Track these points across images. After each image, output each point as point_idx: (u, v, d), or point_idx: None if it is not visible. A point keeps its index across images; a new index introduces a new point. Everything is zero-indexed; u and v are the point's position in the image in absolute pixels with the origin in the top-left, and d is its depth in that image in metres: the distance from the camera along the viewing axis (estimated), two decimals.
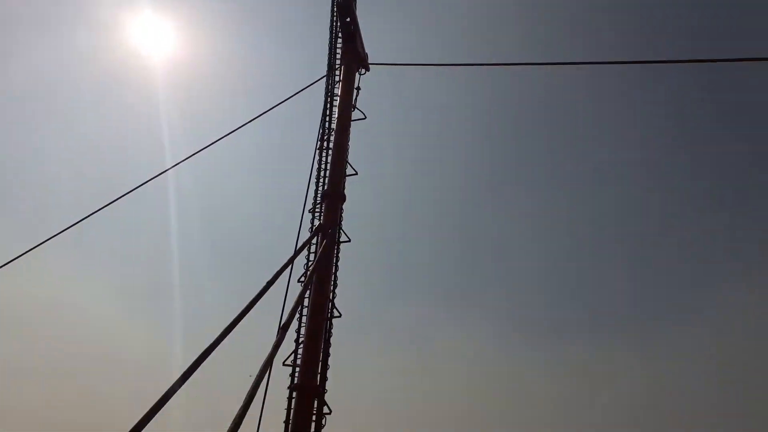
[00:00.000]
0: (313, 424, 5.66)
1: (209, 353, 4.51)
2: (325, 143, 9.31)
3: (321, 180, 8.88)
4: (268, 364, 4.37)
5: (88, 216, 6.83)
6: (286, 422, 5.81)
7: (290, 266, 6.56)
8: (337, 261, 7.55)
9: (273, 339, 5.02)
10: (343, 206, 8.26)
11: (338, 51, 10.10)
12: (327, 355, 6.33)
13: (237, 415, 3.84)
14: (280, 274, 6.06)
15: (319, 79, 10.23)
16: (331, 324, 6.54)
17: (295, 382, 5.93)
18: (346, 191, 8.34)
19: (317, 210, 8.41)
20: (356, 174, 8.59)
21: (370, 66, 9.92)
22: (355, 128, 9.18)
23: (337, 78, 9.97)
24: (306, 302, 6.36)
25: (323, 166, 9.01)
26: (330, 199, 8.07)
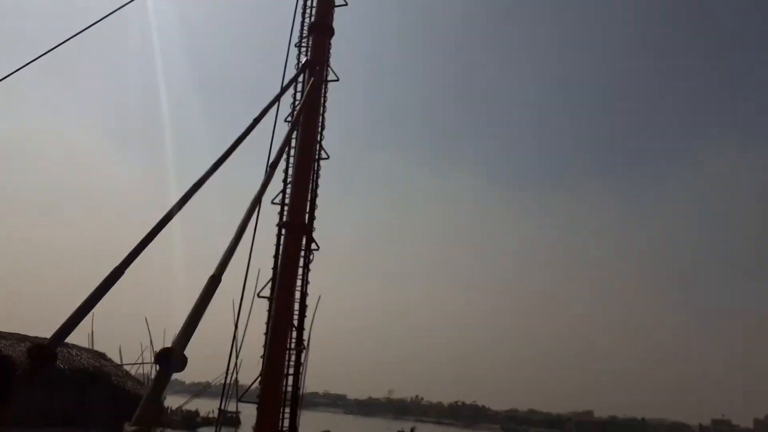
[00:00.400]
0: (301, 260, 5.86)
1: (197, 188, 4.47)
2: None
3: (308, 10, 8.28)
4: (257, 201, 4.36)
5: (68, 40, 6.38)
6: (275, 257, 6.00)
7: (277, 104, 6.34)
8: (324, 101, 7.31)
9: (260, 179, 4.98)
10: (332, 41, 7.82)
11: None
12: (315, 195, 6.38)
13: (227, 250, 3.89)
14: (267, 111, 5.86)
15: None
16: (318, 165, 6.51)
17: (284, 219, 6.01)
18: (334, 24, 7.84)
19: (304, 45, 7.96)
20: (346, 5, 8.04)
21: None
22: None
23: None
24: (293, 143, 6.26)
25: None
26: (317, 32, 7.61)
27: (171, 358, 2.92)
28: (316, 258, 6.53)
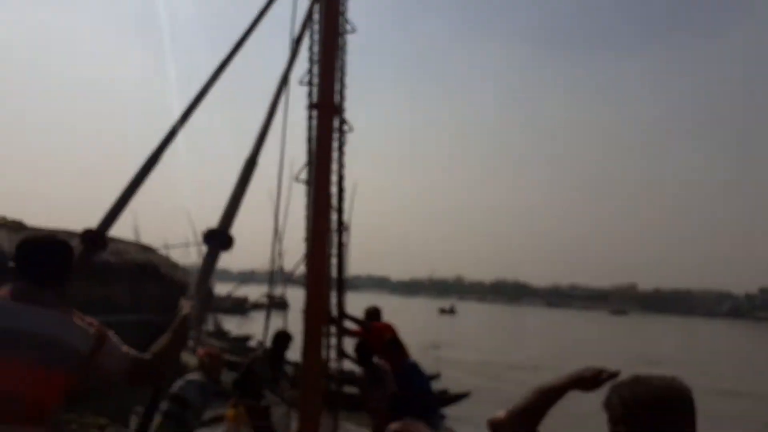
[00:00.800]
0: (335, 142, 5.79)
1: (224, 67, 4.34)
2: None
3: None
4: (284, 80, 4.24)
5: None
6: (309, 140, 5.95)
7: None
8: None
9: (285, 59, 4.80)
10: None
11: None
12: (343, 73, 6.16)
13: (259, 133, 3.84)
14: None
15: None
16: (344, 40, 6.21)
17: (313, 100, 5.88)
18: None
19: None
20: None
21: None
22: None
23: None
24: (316, 17, 5.95)
25: None
26: None
27: (217, 237, 2.99)
28: (354, 141, 6.46)
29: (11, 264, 2.36)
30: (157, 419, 5.37)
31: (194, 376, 5.53)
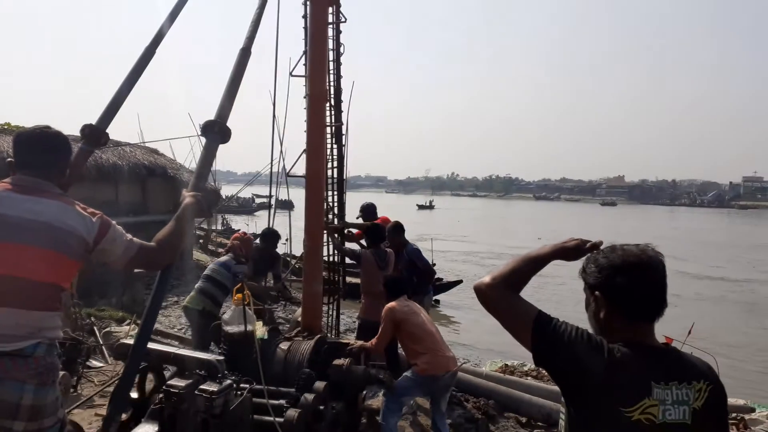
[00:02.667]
0: (330, 31, 5.66)
1: None
2: None
3: None
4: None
5: None
6: (305, 32, 5.81)
7: None
8: None
9: None
10: None
11: None
12: None
13: (252, 21, 3.75)
14: None
15: None
16: None
17: None
18: None
19: None
20: None
21: None
22: None
23: None
24: None
25: None
26: None
27: (215, 128, 3.02)
28: (349, 42, 6.29)
29: (9, 160, 2.40)
30: (192, 294, 5.88)
31: (225, 257, 6.13)
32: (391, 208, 7.62)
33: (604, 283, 1.64)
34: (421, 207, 78.17)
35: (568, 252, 1.78)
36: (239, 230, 6.40)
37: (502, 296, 1.73)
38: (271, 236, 7.33)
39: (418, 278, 6.48)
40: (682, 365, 1.60)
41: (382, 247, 6.24)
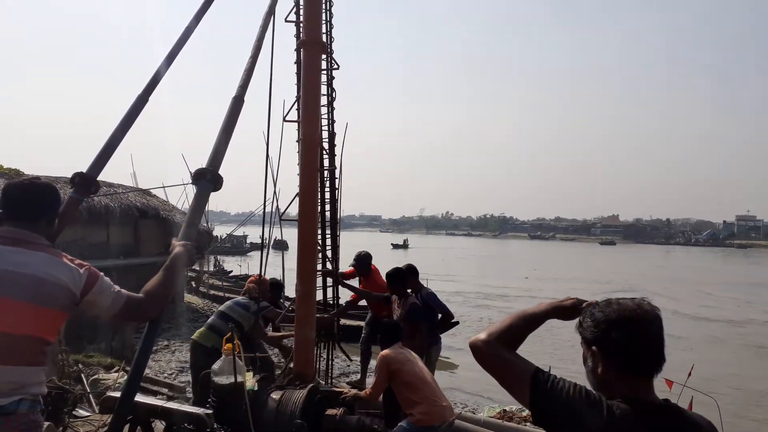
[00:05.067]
0: (323, 78, 5.73)
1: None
2: None
3: None
4: (269, 14, 4.14)
5: None
6: (298, 77, 5.87)
7: None
8: None
9: None
10: None
11: None
12: (330, 11, 6.00)
13: (245, 70, 3.79)
14: None
15: None
16: None
17: (301, 38, 5.77)
18: None
19: None
20: None
21: None
22: None
23: None
24: None
25: None
26: None
27: (207, 176, 3.00)
28: (343, 85, 6.39)
29: None
30: (201, 329, 5.83)
31: (241, 298, 6.16)
32: (353, 248, 7.55)
33: (600, 337, 1.61)
34: (395, 246, 77.96)
35: (564, 311, 1.77)
36: (254, 274, 6.29)
37: (498, 353, 1.70)
38: (276, 287, 7.04)
39: (436, 322, 6.35)
40: (683, 423, 1.56)
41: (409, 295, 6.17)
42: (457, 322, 15.31)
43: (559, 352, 14.04)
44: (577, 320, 1.74)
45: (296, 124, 5.78)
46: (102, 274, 2.37)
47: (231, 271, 28.36)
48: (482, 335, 1.74)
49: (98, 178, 3.21)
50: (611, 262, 59.62)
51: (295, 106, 5.76)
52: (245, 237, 49.41)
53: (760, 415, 10.42)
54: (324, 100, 5.99)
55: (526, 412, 7.35)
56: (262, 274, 5.81)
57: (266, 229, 5.58)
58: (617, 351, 1.58)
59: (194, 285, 21.73)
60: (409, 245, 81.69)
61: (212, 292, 20.65)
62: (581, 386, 1.60)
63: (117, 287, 2.39)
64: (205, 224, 19.66)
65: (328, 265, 6.77)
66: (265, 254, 5.75)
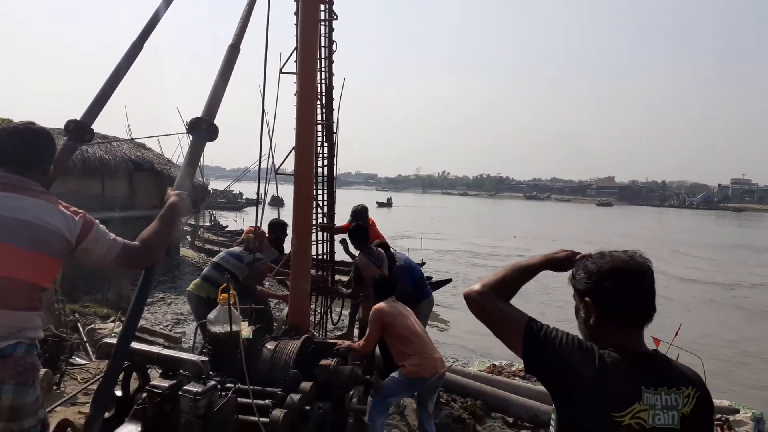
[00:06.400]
0: (322, 29, 5.62)
1: None
2: None
3: None
4: None
5: None
6: (297, 25, 5.75)
7: None
8: None
9: None
10: None
11: None
12: None
13: (242, 17, 3.71)
14: None
15: None
16: None
17: None
18: None
19: None
20: None
21: None
22: None
23: None
24: None
25: None
26: None
27: (202, 125, 2.97)
28: (341, 38, 6.25)
29: None
30: (196, 280, 5.86)
31: (236, 249, 6.13)
32: (348, 206, 7.53)
33: (593, 288, 1.64)
34: (380, 204, 77.94)
35: (558, 263, 1.79)
36: (256, 225, 6.03)
37: (492, 304, 1.73)
38: (279, 227, 6.83)
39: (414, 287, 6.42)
40: (671, 371, 1.60)
41: (371, 247, 6.19)
42: (449, 280, 15.46)
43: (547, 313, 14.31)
44: (569, 273, 1.76)
45: (294, 76, 5.69)
46: (98, 221, 2.36)
47: (226, 226, 28.44)
48: (477, 286, 1.76)
49: (93, 131, 3.17)
50: (600, 223, 60.19)
51: (293, 58, 5.66)
52: (240, 194, 49.31)
53: (743, 374, 10.68)
54: (323, 53, 5.89)
55: (515, 367, 7.51)
56: (260, 226, 5.80)
57: (262, 185, 5.53)
58: (610, 301, 1.61)
59: (189, 239, 21.80)
60: (393, 204, 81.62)
61: (207, 246, 20.76)
62: (574, 336, 1.63)
63: (113, 235, 2.38)
64: (200, 179, 19.57)
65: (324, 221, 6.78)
66: (260, 209, 5.74)
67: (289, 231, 5.65)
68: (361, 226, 6.39)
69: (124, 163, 15.15)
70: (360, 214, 7.15)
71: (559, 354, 1.58)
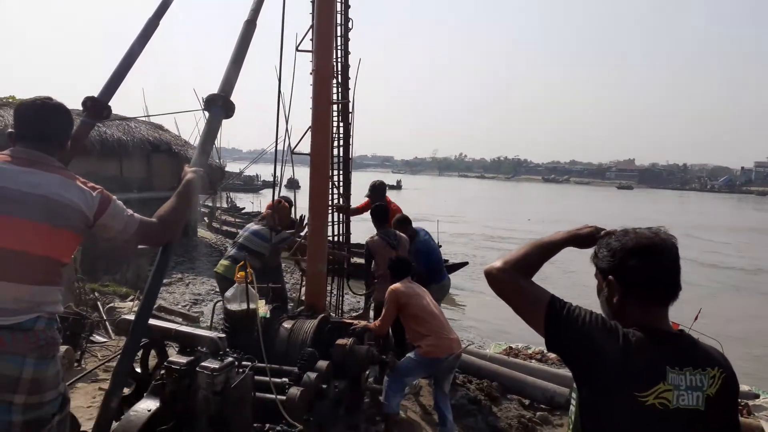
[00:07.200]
0: (338, 7, 5.54)
1: None
2: None
3: None
4: None
5: None
6: (312, 2, 5.69)
7: None
8: None
9: None
10: None
11: None
12: None
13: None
14: None
15: None
16: None
17: None
18: None
19: None
20: None
21: None
22: None
23: None
24: None
25: None
26: None
27: (219, 102, 2.95)
28: (358, 18, 6.17)
29: (9, 131, 2.35)
30: (224, 262, 5.90)
31: (257, 226, 6.14)
32: (363, 189, 7.44)
33: (617, 266, 1.59)
34: (389, 187, 76.54)
35: (581, 239, 1.75)
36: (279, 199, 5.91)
37: (514, 281, 1.69)
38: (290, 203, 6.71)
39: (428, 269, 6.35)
40: (697, 351, 1.56)
41: (389, 228, 6.15)
42: (466, 263, 15.38)
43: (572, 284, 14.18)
44: (592, 251, 1.72)
45: (310, 55, 5.63)
46: (115, 197, 2.36)
47: (243, 208, 28.60)
48: (498, 263, 1.72)
49: (111, 108, 3.16)
50: (618, 206, 59.44)
51: (309, 36, 5.60)
52: (257, 176, 49.41)
53: (764, 359, 10.54)
54: (339, 31, 5.82)
55: (531, 350, 7.48)
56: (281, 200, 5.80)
57: (278, 167, 5.51)
58: (634, 279, 1.56)
59: (207, 221, 21.96)
60: (403, 186, 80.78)
61: (225, 228, 20.91)
62: (598, 314, 1.59)
63: (130, 211, 2.38)
64: (217, 160, 19.65)
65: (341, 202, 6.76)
66: (277, 191, 5.72)
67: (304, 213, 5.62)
68: (382, 206, 6.32)
69: (142, 144, 15.22)
70: (378, 189, 7.07)
71: (582, 332, 1.54)
